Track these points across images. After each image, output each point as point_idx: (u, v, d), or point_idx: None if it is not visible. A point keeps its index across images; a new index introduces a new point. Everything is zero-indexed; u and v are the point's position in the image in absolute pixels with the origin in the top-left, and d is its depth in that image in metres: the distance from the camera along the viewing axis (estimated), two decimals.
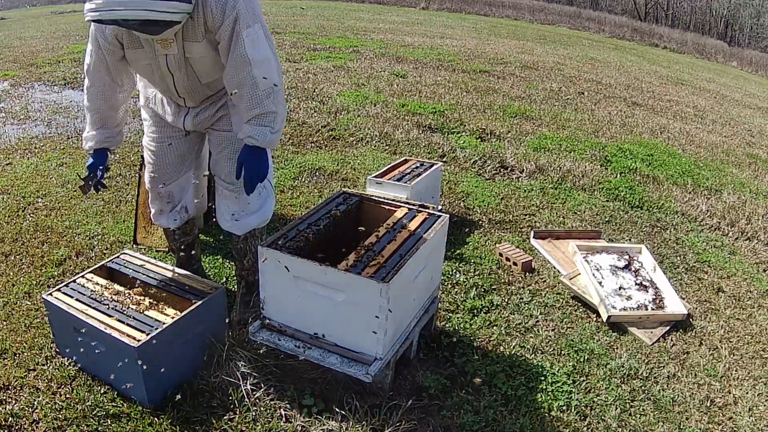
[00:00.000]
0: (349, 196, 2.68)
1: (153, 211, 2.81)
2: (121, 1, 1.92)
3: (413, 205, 2.71)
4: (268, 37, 2.24)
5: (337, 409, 2.23)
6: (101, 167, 2.55)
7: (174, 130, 2.63)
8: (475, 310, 3.03)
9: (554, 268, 3.56)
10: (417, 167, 3.87)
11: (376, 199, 2.71)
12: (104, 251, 3.36)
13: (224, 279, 3.14)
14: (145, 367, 2.14)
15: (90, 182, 2.55)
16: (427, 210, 2.59)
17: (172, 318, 2.27)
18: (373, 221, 2.58)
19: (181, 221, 2.81)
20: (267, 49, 2.22)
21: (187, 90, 2.42)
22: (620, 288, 3.25)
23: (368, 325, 2.11)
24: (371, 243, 2.31)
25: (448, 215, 2.56)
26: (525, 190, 4.68)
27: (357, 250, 2.26)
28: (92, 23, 2.16)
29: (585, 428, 2.36)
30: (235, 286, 3.05)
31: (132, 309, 2.31)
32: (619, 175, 5.19)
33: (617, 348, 2.88)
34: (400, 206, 2.61)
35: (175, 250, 3.00)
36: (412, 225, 2.45)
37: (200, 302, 2.35)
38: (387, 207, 2.63)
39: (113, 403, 2.25)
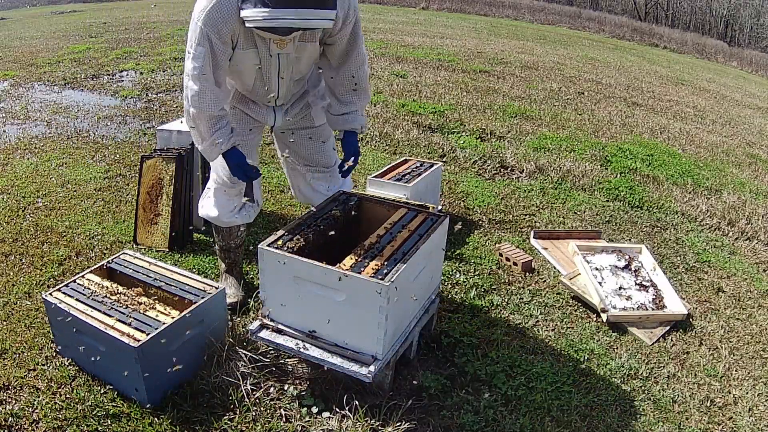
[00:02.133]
0: (348, 196, 2.68)
1: (227, 210, 2.76)
2: (296, 10, 2.06)
3: (413, 205, 2.70)
4: None
5: (337, 409, 2.23)
6: (246, 163, 2.46)
7: (255, 122, 2.70)
8: (475, 310, 3.03)
9: (554, 268, 3.56)
10: (417, 167, 3.87)
11: (376, 199, 2.70)
12: (104, 251, 3.36)
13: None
14: (145, 367, 2.14)
15: (251, 184, 2.52)
16: (426, 210, 2.58)
17: (172, 318, 2.27)
18: (373, 221, 2.58)
19: (254, 214, 2.88)
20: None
21: (286, 88, 2.53)
22: (620, 288, 3.24)
23: (368, 325, 2.11)
24: (371, 243, 2.31)
25: (448, 215, 2.56)
26: (525, 190, 4.68)
27: (356, 251, 2.26)
28: (203, 27, 2.18)
29: (585, 428, 2.36)
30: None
31: (132, 309, 2.31)
32: (619, 175, 5.19)
33: (617, 348, 2.88)
34: (399, 207, 2.61)
35: (230, 250, 2.95)
36: (412, 225, 2.45)
37: (200, 302, 2.35)
38: (386, 207, 2.63)
39: (113, 403, 2.25)
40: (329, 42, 2.44)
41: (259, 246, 2.21)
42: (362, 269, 2.13)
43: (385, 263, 2.17)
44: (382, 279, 2.06)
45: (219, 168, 2.67)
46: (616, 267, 3.42)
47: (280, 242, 2.26)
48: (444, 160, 5.15)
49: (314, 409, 2.26)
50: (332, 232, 2.46)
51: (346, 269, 2.13)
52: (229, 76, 2.51)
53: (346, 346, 2.19)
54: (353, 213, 2.65)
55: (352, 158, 2.63)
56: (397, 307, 2.17)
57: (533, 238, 3.86)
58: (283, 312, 2.28)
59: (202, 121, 2.37)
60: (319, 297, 2.15)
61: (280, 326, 2.31)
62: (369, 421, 2.19)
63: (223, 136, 2.40)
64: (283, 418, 2.23)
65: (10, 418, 2.16)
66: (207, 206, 2.81)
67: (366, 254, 2.24)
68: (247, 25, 2.16)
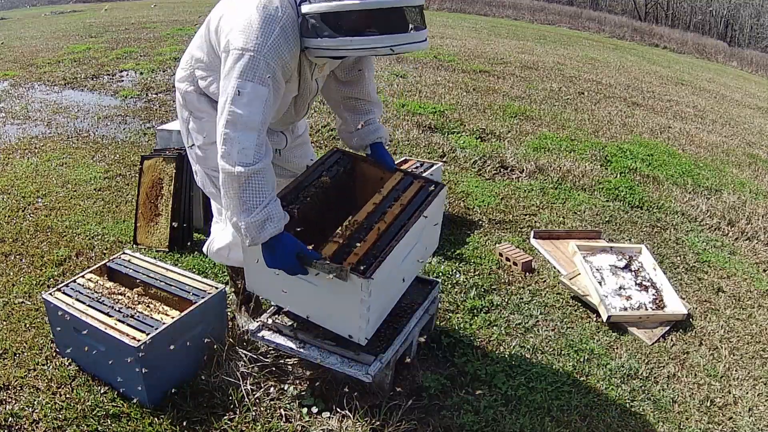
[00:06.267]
0: (341, 156, 2.46)
1: (240, 254, 2.38)
2: (417, 34, 1.84)
3: (409, 173, 2.46)
4: None
5: (337, 409, 2.23)
6: (306, 250, 2.00)
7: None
8: (475, 310, 3.03)
9: (554, 268, 3.56)
10: (417, 167, 3.87)
11: (371, 160, 2.45)
12: (104, 251, 3.36)
13: (225, 279, 3.13)
14: (145, 367, 2.14)
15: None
16: (423, 178, 2.39)
17: (172, 318, 2.27)
18: (368, 182, 2.40)
19: None
20: None
21: (310, 107, 2.41)
22: (620, 288, 3.24)
23: (351, 313, 2.02)
24: (357, 221, 2.13)
25: (445, 186, 2.41)
26: (525, 190, 4.68)
27: (342, 233, 2.08)
28: (269, 62, 1.85)
29: (585, 428, 2.36)
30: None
31: (132, 309, 2.31)
32: (619, 175, 5.18)
33: (617, 348, 2.88)
34: (395, 171, 2.39)
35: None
36: (405, 197, 2.26)
37: (200, 302, 2.35)
38: (381, 172, 2.41)
39: (113, 403, 2.25)
40: (349, 60, 2.33)
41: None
42: (344, 258, 1.99)
43: (371, 248, 2.02)
44: (362, 274, 1.92)
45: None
46: (616, 267, 3.42)
47: None
48: (444, 160, 5.15)
49: (314, 409, 2.26)
50: (317, 191, 2.28)
51: (329, 256, 1.99)
52: None
53: (331, 329, 2.14)
54: (347, 175, 2.45)
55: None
56: (380, 294, 2.05)
57: (533, 238, 3.86)
58: (263, 283, 2.18)
59: (251, 183, 1.88)
60: (302, 282, 2.05)
61: (280, 326, 2.31)
62: (369, 421, 2.19)
63: (275, 209, 1.93)
64: (283, 418, 2.23)
65: (10, 418, 2.16)
66: (222, 248, 2.48)
67: (351, 238, 2.06)
68: (328, 55, 1.90)
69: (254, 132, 1.87)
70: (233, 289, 2.78)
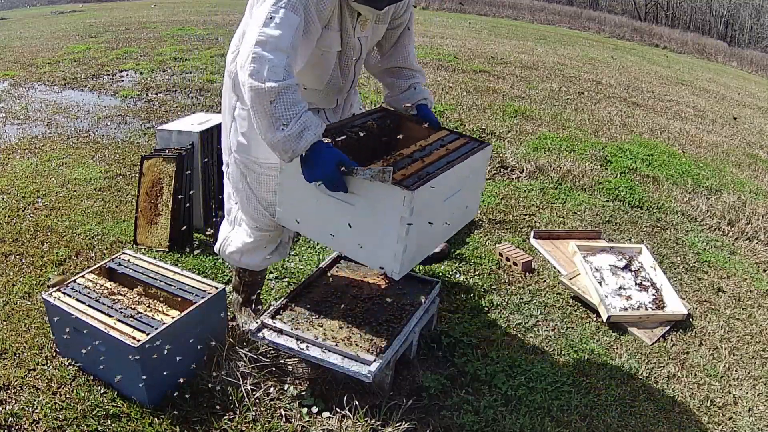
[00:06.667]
0: (387, 113, 2.46)
1: (261, 258, 2.50)
2: None
3: (455, 131, 2.44)
4: None
5: (337, 409, 2.23)
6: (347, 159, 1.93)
7: None
8: (475, 310, 3.03)
9: (554, 268, 3.56)
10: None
11: (416, 118, 2.44)
12: (104, 251, 3.36)
13: (225, 279, 3.13)
14: (145, 367, 2.14)
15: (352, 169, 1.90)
16: (469, 137, 2.35)
17: (172, 318, 2.27)
18: (413, 141, 2.31)
19: (289, 251, 2.65)
20: None
21: (355, 77, 2.38)
22: (620, 288, 3.24)
23: (388, 237, 1.89)
24: (402, 155, 2.06)
25: (491, 144, 2.38)
26: (525, 190, 4.68)
27: (386, 158, 2.02)
28: None
29: (585, 428, 2.36)
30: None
31: (132, 309, 2.31)
32: (619, 175, 5.18)
33: (617, 348, 2.88)
34: (442, 129, 2.38)
35: (255, 284, 2.70)
36: (451, 146, 2.22)
37: (200, 302, 2.35)
38: (428, 130, 2.37)
39: (113, 403, 2.25)
40: (395, 24, 2.34)
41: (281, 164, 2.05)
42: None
43: (414, 174, 1.94)
44: (406, 186, 1.83)
45: (252, 210, 2.38)
46: (616, 267, 3.42)
47: None
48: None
49: (314, 409, 2.26)
50: (362, 134, 2.22)
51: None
52: (305, 69, 2.13)
53: (362, 262, 2.07)
54: (392, 130, 2.42)
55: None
56: (421, 223, 1.95)
57: (533, 238, 3.86)
58: (300, 219, 2.12)
59: (282, 98, 1.83)
60: (337, 202, 1.95)
61: (280, 326, 2.31)
62: (369, 421, 2.19)
63: (311, 118, 1.89)
64: (283, 418, 2.24)
65: (10, 418, 2.16)
66: (234, 252, 2.51)
67: (395, 164, 2.00)
68: None
69: (284, 53, 1.84)
70: (235, 287, 2.77)
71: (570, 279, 3.31)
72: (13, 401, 2.26)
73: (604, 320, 3.02)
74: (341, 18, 2.06)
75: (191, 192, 3.46)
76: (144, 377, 2.16)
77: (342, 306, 2.49)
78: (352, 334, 2.33)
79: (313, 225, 2.10)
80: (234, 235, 2.50)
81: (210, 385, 2.32)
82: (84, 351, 2.28)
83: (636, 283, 3.30)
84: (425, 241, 2.09)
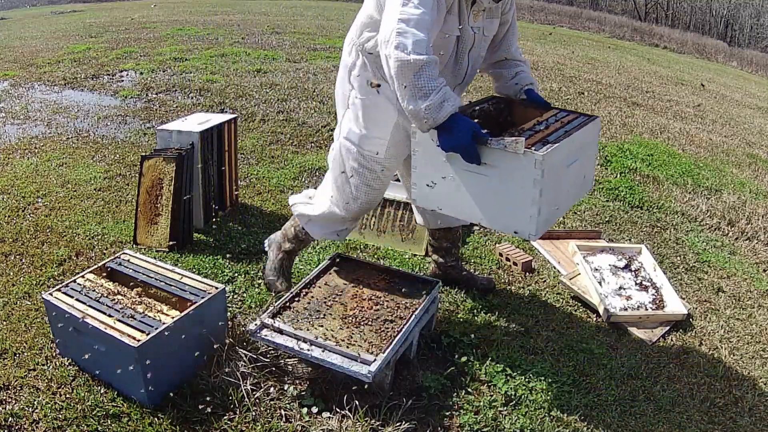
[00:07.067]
0: (500, 98, 2.64)
1: (330, 231, 2.71)
2: None
3: (565, 109, 2.62)
4: None
5: (337, 409, 2.23)
6: (480, 130, 2.08)
7: None
8: (475, 310, 3.03)
9: (554, 268, 3.56)
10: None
11: (527, 102, 2.59)
12: (104, 251, 3.36)
13: (225, 279, 3.13)
14: (145, 367, 2.14)
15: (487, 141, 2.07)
16: (578, 113, 2.52)
17: (172, 318, 2.27)
18: (523, 121, 2.51)
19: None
20: None
21: (470, 74, 2.48)
22: (620, 288, 3.24)
23: (522, 202, 2.05)
24: (523, 128, 2.27)
25: (599, 117, 2.51)
26: None
27: (509, 131, 2.23)
28: None
29: (585, 428, 2.35)
30: (239, 285, 3.05)
31: (132, 309, 2.31)
32: (619, 175, 5.18)
33: (617, 348, 2.87)
34: (551, 108, 2.54)
35: (300, 245, 2.94)
36: (565, 120, 2.40)
37: (200, 302, 2.35)
38: (539, 112, 2.53)
39: (113, 403, 2.25)
40: (502, 20, 2.47)
41: (411, 130, 2.21)
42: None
43: (539, 142, 2.11)
44: (537, 151, 2.00)
45: (341, 193, 2.58)
46: (616, 267, 3.42)
47: None
48: None
49: (314, 409, 2.26)
50: (481, 115, 2.41)
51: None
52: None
53: (499, 228, 2.28)
54: (506, 113, 2.60)
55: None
56: (550, 187, 2.08)
57: None
58: (434, 195, 2.28)
59: (425, 71, 1.97)
60: (471, 174, 2.10)
61: (280, 326, 2.31)
62: (369, 421, 2.19)
63: (450, 91, 2.04)
64: (283, 418, 2.24)
65: (10, 418, 2.16)
66: (306, 214, 2.72)
67: (519, 135, 2.17)
68: None
69: (426, 30, 1.97)
70: (286, 234, 2.90)
71: (570, 279, 3.31)
72: (13, 401, 2.26)
73: (604, 320, 3.02)
74: (459, 5, 2.22)
75: (191, 192, 3.46)
76: (144, 377, 2.16)
77: (342, 306, 2.50)
78: (352, 334, 2.33)
79: (448, 200, 2.26)
80: (317, 200, 2.68)
81: (210, 385, 2.32)
82: (84, 351, 2.29)
83: (636, 283, 3.30)
84: (554, 205, 2.22)
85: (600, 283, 3.23)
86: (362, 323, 2.39)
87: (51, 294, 2.39)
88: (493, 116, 2.53)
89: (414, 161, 2.27)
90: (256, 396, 2.29)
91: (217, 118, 3.74)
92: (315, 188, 2.83)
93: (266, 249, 3.01)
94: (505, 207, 2.12)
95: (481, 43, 2.43)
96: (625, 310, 3.08)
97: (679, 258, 3.86)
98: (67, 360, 2.44)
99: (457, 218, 2.71)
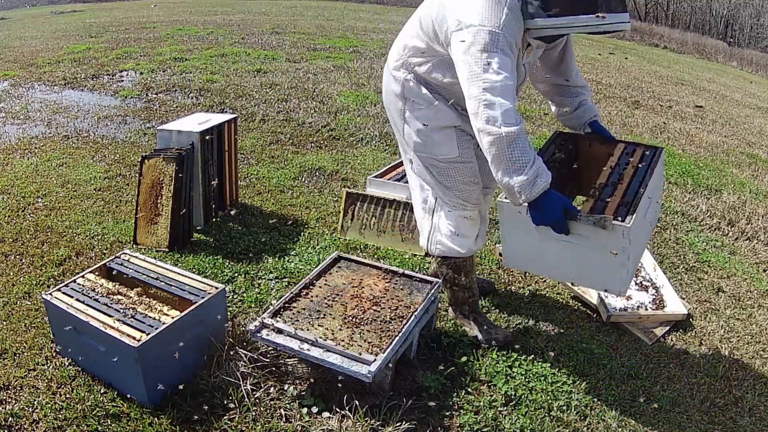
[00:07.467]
0: (566, 137, 2.68)
1: (472, 239, 2.60)
2: (625, 15, 2.02)
3: (630, 142, 2.69)
4: None
5: (337, 409, 2.23)
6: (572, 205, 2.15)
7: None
8: None
9: None
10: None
11: (593, 137, 2.65)
12: (104, 251, 3.36)
13: (225, 279, 3.13)
14: (145, 367, 2.14)
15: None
16: (644, 145, 2.59)
17: (172, 318, 2.27)
18: (594, 159, 2.61)
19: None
20: None
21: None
22: None
23: (611, 266, 2.17)
24: (601, 183, 2.35)
25: (664, 148, 2.58)
26: None
27: (591, 193, 2.32)
28: (507, 36, 2.03)
29: (585, 428, 2.35)
30: (239, 285, 3.05)
31: (132, 309, 2.31)
32: None
33: (617, 348, 2.87)
34: (617, 143, 2.61)
35: (472, 283, 2.75)
36: (634, 159, 2.46)
37: (200, 302, 2.35)
38: (606, 146, 2.61)
39: (113, 403, 2.25)
40: (555, 44, 2.46)
41: (498, 200, 2.28)
42: (602, 211, 2.18)
43: (620, 204, 2.20)
44: (622, 221, 2.09)
45: (448, 199, 2.51)
46: None
47: None
48: None
49: (314, 409, 2.26)
50: (557, 165, 2.46)
51: (587, 211, 2.19)
52: None
53: (591, 286, 2.41)
54: (575, 153, 2.66)
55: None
56: (635, 244, 2.19)
57: None
58: (523, 259, 2.40)
59: (518, 143, 2.02)
60: (562, 243, 2.19)
61: (280, 326, 2.31)
62: (369, 421, 2.19)
63: (542, 165, 2.07)
64: (283, 418, 2.24)
65: (10, 418, 2.17)
66: (446, 243, 2.59)
67: (600, 197, 2.27)
68: (547, 33, 2.10)
69: (511, 96, 2.02)
70: (453, 301, 2.81)
71: None
72: (13, 401, 2.26)
73: (604, 320, 3.02)
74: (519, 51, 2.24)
75: (191, 192, 3.46)
76: (144, 377, 2.16)
77: (342, 306, 2.50)
78: (352, 334, 2.33)
79: (537, 262, 2.38)
80: (440, 221, 2.61)
81: (210, 385, 2.32)
82: (84, 351, 2.29)
83: (636, 283, 3.30)
84: (637, 253, 2.35)
85: None
86: (362, 323, 2.39)
87: (51, 294, 2.39)
88: (566, 162, 2.59)
89: (503, 230, 2.38)
90: (256, 396, 2.29)
91: (217, 118, 3.74)
92: (428, 242, 2.69)
93: (461, 325, 2.83)
94: (594, 269, 2.24)
95: (529, 73, 2.51)
96: (625, 310, 3.08)
97: (679, 258, 3.86)
98: (67, 360, 2.44)
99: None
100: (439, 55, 2.30)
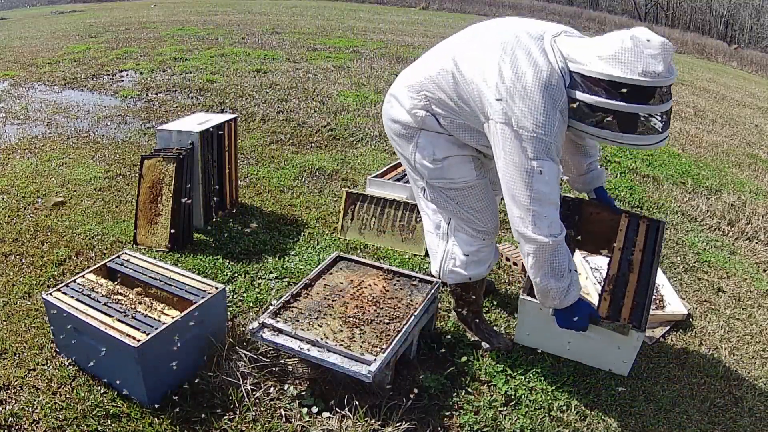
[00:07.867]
0: (572, 201, 2.79)
1: (488, 263, 2.57)
2: (663, 136, 2.09)
3: (633, 214, 2.76)
4: None
5: (337, 409, 2.23)
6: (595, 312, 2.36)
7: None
8: None
9: None
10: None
11: (597, 204, 2.75)
12: (104, 251, 3.36)
13: (225, 279, 3.13)
14: (145, 367, 2.14)
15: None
16: (645, 218, 2.71)
17: (172, 318, 2.27)
18: (596, 224, 2.76)
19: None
20: None
21: None
22: None
23: (621, 355, 2.53)
24: (615, 275, 2.53)
25: (665, 221, 2.80)
26: None
27: (608, 288, 2.49)
28: (560, 114, 2.03)
29: (585, 428, 2.35)
30: (239, 285, 3.05)
31: (132, 309, 2.31)
32: (619, 175, 5.18)
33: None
34: (621, 214, 2.71)
35: (479, 298, 2.75)
36: (640, 239, 2.63)
37: (200, 302, 2.35)
38: (609, 215, 2.73)
39: (113, 403, 2.25)
40: None
41: (521, 296, 2.58)
42: (618, 313, 2.42)
43: (635, 305, 2.44)
44: (637, 327, 2.38)
45: (466, 224, 2.47)
46: None
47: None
48: None
49: (314, 409, 2.26)
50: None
51: (607, 314, 2.42)
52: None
53: (594, 366, 2.62)
54: (576, 221, 2.77)
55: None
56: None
57: None
58: (533, 339, 2.68)
59: (561, 250, 2.12)
60: (575, 334, 2.44)
61: (280, 326, 2.31)
62: (369, 421, 2.19)
63: (575, 274, 2.19)
64: (283, 418, 2.23)
65: (10, 418, 2.16)
66: (460, 269, 2.55)
67: (615, 293, 2.48)
68: (587, 137, 2.14)
69: (555, 206, 2.10)
70: (462, 317, 2.79)
71: None
72: (13, 401, 2.26)
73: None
74: None
75: (192, 192, 3.46)
76: (144, 377, 2.16)
77: (342, 306, 2.50)
78: (352, 334, 2.33)
79: (549, 345, 2.67)
80: (454, 248, 2.55)
81: (210, 385, 2.32)
82: (84, 351, 2.29)
83: None
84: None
85: (600, 283, 3.23)
86: (362, 323, 2.39)
87: (51, 294, 2.39)
88: (572, 237, 2.68)
89: (521, 317, 2.64)
90: (256, 396, 2.29)
91: (217, 118, 3.74)
92: (440, 269, 2.64)
93: (463, 330, 2.83)
94: (604, 355, 2.57)
95: None
96: None
97: (679, 258, 3.86)
98: (67, 360, 2.44)
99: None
100: (469, 121, 2.23)
